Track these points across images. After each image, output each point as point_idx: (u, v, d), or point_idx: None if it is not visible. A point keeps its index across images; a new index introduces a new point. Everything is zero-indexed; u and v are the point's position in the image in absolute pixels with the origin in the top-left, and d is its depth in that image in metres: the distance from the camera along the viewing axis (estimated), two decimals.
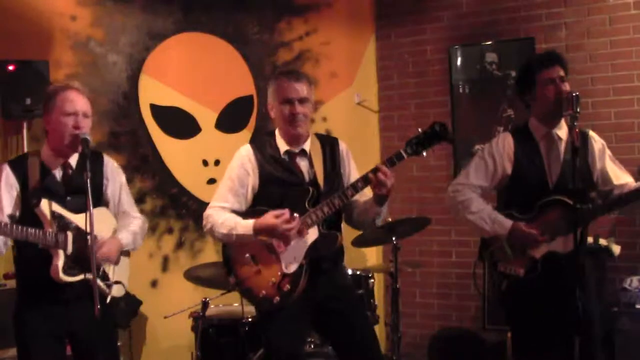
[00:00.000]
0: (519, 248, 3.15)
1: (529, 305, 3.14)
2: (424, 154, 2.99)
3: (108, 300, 3.07)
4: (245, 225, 3.01)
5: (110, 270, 3.10)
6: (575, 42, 4.80)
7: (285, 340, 3.06)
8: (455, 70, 5.19)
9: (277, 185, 3.08)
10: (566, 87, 3.14)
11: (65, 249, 2.90)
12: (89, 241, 2.77)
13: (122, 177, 3.26)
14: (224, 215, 3.07)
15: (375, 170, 2.92)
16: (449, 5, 5.23)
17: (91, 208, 2.76)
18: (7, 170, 3.00)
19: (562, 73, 3.16)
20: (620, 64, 4.68)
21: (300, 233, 3.00)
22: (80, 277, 2.94)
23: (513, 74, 4.88)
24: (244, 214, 3.09)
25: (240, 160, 3.13)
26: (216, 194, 3.15)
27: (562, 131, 3.22)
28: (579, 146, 2.92)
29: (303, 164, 3.14)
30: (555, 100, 3.10)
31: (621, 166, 3.29)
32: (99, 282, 3.02)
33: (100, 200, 3.15)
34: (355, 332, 3.11)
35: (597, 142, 3.27)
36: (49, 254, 2.90)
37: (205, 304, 3.92)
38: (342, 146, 3.25)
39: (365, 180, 2.97)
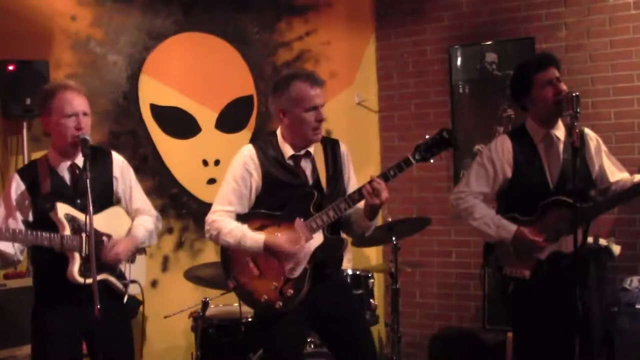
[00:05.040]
0: (524, 251, 3.14)
1: (537, 306, 3.12)
2: (432, 160, 2.99)
3: (125, 299, 3.09)
4: (255, 240, 2.96)
5: (126, 269, 3.11)
6: (575, 42, 4.80)
7: (286, 344, 3.04)
8: (455, 70, 5.19)
9: (280, 188, 3.04)
10: (563, 87, 3.14)
11: (80, 252, 2.92)
12: (89, 241, 2.78)
13: (132, 174, 3.26)
14: (230, 223, 3.01)
15: (370, 181, 2.90)
16: (449, 5, 5.23)
17: (91, 209, 2.76)
18: (17, 178, 3.03)
19: (557, 74, 3.16)
20: (620, 64, 4.68)
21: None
22: (98, 277, 2.95)
23: None
24: (247, 217, 3.06)
25: (242, 160, 3.06)
26: (218, 196, 3.09)
27: (559, 131, 3.22)
28: (578, 144, 2.92)
29: (307, 166, 3.10)
30: (554, 101, 3.10)
31: (616, 161, 3.30)
32: (115, 281, 3.08)
33: (112, 199, 3.16)
34: (355, 338, 3.10)
35: (592, 139, 3.27)
36: (64, 255, 2.92)
37: (205, 304, 3.92)
38: (343, 148, 3.21)
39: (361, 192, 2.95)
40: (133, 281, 3.14)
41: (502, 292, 3.25)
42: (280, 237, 2.95)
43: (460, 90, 5.18)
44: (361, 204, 3.01)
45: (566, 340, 3.10)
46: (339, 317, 3.08)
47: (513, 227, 3.14)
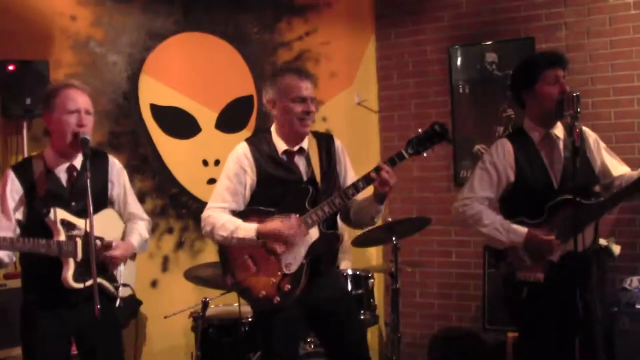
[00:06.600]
0: (536, 253, 3.09)
1: (550, 309, 3.07)
2: (425, 154, 3.00)
3: (117, 303, 3.08)
4: (248, 229, 2.98)
5: (118, 272, 3.11)
6: (575, 42, 4.80)
7: (283, 343, 3.06)
8: (455, 70, 5.19)
9: (275, 184, 3.06)
10: (567, 87, 3.14)
11: (75, 257, 2.91)
12: (91, 244, 2.77)
13: (126, 178, 3.27)
14: (224, 217, 3.04)
15: (378, 170, 2.93)
16: (449, 5, 5.23)
17: (91, 210, 2.75)
18: (11, 176, 2.98)
19: (563, 74, 3.15)
20: (620, 64, 4.68)
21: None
22: (91, 282, 2.94)
23: None
24: (242, 214, 3.07)
25: (237, 158, 3.09)
26: (214, 194, 3.12)
27: (558, 130, 3.20)
28: (579, 144, 2.91)
29: (301, 162, 3.12)
30: (559, 99, 3.07)
31: (616, 156, 3.28)
32: (107, 284, 3.07)
33: (106, 202, 3.16)
34: (347, 336, 3.12)
35: (590, 135, 3.26)
36: (58, 259, 2.90)
37: (205, 304, 3.92)
38: (337, 143, 3.24)
39: (366, 180, 2.97)
40: (125, 284, 3.13)
41: (513, 297, 3.18)
42: (272, 221, 2.97)
43: (460, 90, 5.18)
44: (359, 196, 3.05)
45: (569, 341, 3.09)
46: (333, 314, 3.10)
47: (524, 230, 3.09)
